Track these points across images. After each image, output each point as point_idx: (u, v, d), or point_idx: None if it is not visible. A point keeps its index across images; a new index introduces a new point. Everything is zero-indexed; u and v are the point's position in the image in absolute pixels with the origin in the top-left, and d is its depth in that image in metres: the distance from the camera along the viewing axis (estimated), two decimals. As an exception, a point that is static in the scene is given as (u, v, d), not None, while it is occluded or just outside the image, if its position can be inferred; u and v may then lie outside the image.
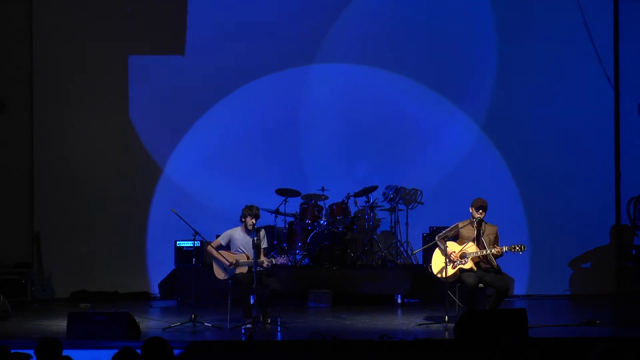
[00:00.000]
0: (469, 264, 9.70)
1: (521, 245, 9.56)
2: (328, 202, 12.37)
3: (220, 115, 12.86)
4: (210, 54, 12.81)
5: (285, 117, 12.88)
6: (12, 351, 5.84)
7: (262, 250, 9.94)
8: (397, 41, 12.82)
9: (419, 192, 12.75)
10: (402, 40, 12.83)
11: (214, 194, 12.71)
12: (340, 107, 12.87)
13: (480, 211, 9.73)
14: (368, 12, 12.84)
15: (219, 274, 10.03)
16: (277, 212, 12.24)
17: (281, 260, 9.94)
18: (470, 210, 9.83)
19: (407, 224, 12.66)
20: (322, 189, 12.40)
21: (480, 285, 9.77)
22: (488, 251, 9.64)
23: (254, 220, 9.97)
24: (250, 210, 9.99)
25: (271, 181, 12.50)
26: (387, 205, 12.66)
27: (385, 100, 12.85)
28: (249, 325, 9.53)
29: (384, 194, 12.56)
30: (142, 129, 12.83)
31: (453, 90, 12.83)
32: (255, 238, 9.70)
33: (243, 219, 10.03)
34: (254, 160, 12.85)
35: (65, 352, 6.01)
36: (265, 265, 9.81)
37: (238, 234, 10.07)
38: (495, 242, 9.77)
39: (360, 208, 12.66)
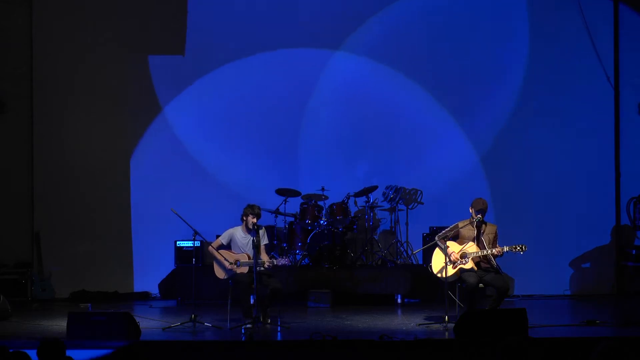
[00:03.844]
0: (469, 264, 9.69)
1: (522, 246, 9.54)
2: (328, 202, 12.37)
3: (221, 115, 12.86)
4: (210, 52, 12.82)
5: (286, 116, 12.88)
6: (11, 350, 5.83)
7: (262, 247, 9.94)
8: (401, 42, 12.83)
9: (419, 192, 12.74)
10: (407, 43, 12.83)
11: (213, 194, 12.71)
12: (341, 106, 12.86)
13: (480, 212, 9.72)
14: (365, 13, 12.86)
15: (220, 273, 10.02)
16: (277, 212, 12.24)
17: (282, 261, 9.91)
18: (470, 210, 9.82)
19: (407, 224, 12.65)
20: (322, 189, 12.39)
21: (480, 285, 9.76)
22: (488, 251, 9.63)
23: (254, 220, 9.96)
24: (252, 210, 9.98)
25: (271, 181, 12.49)
26: (387, 205, 12.66)
27: (386, 100, 12.84)
28: (249, 325, 9.52)
29: (384, 194, 12.56)
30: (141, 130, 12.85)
31: (454, 94, 12.85)
32: (254, 237, 9.69)
33: (244, 218, 10.02)
34: (253, 160, 12.84)
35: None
36: (266, 265, 9.79)
37: (239, 234, 10.06)
38: (494, 241, 9.76)
39: (360, 208, 12.65)
